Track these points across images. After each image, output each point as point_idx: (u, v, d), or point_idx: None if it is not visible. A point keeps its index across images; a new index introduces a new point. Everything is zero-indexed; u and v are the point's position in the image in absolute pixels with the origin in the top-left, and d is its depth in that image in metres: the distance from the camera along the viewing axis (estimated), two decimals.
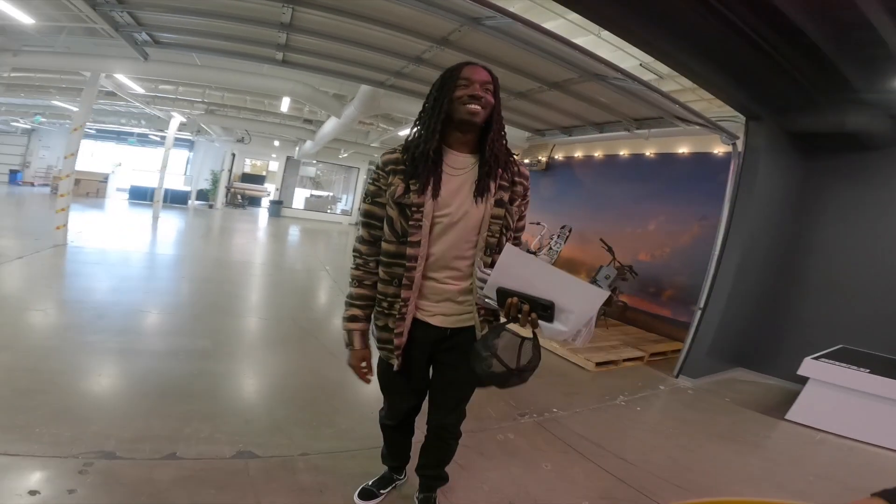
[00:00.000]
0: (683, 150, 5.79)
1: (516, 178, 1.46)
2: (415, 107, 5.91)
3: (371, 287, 1.51)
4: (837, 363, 3.46)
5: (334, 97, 7.24)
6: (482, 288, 1.38)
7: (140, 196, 14.52)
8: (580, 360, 4.31)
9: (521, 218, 1.52)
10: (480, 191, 1.39)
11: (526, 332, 1.36)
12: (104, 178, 15.57)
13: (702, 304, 4.26)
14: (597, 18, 3.11)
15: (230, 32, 4.35)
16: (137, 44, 5.07)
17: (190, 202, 15.91)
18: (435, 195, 1.36)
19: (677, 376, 4.31)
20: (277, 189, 18.04)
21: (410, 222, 1.36)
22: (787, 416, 3.56)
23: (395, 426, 1.78)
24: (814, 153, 4.34)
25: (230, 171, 17.57)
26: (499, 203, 1.41)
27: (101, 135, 16.35)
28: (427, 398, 1.70)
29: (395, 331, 1.48)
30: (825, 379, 3.44)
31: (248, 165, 19.60)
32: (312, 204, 18.36)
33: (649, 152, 6.17)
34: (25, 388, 2.46)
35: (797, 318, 4.43)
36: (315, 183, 19.62)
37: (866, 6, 2.50)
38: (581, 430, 2.93)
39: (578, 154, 7.32)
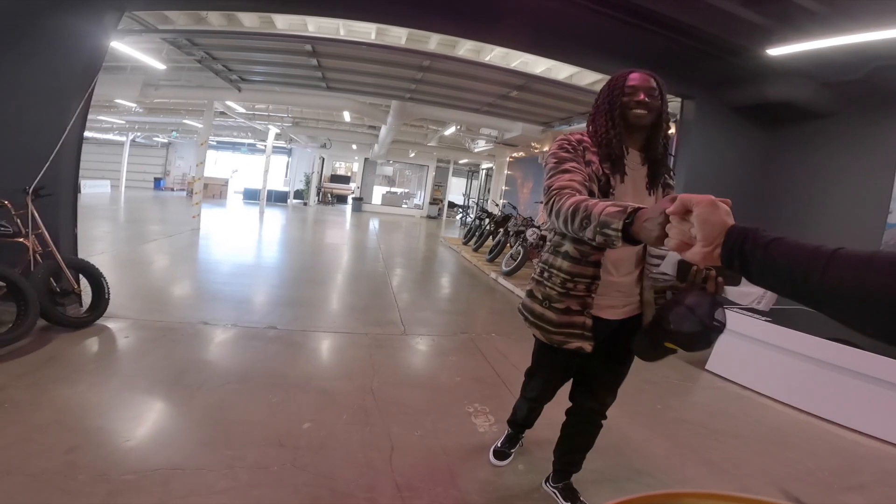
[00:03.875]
0: None
1: (669, 176, 1.52)
2: (435, 111, 7.28)
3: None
4: (742, 311, 3.92)
5: (379, 108, 8.79)
6: (656, 265, 1.40)
7: (252, 196, 17.57)
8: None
9: None
10: (653, 183, 1.46)
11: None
12: (225, 183, 19.06)
13: None
14: (522, 48, 4.09)
15: (288, 72, 6.01)
16: (232, 81, 7.02)
17: (289, 200, 18.80)
18: (622, 181, 1.42)
19: None
20: (358, 187, 20.36)
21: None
22: (707, 367, 4.04)
23: (540, 407, 1.91)
24: (768, 124, 4.69)
25: (320, 173, 20.27)
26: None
27: (221, 146, 19.97)
28: (578, 384, 1.72)
29: (582, 311, 1.46)
30: (734, 328, 3.89)
31: (340, 167, 22.28)
32: (388, 200, 20.40)
33: None
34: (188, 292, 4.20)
35: None
36: (390, 181, 21.71)
37: None
38: (503, 349, 3.85)
39: None
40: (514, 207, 8.36)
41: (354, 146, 17.48)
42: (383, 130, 10.53)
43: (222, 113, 11.31)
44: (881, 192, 4.00)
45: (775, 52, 3.46)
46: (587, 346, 1.46)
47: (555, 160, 1.37)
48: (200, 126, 13.44)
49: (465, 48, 4.74)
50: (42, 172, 2.94)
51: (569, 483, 1.85)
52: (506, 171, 14.00)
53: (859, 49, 3.26)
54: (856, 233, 4.12)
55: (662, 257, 1.38)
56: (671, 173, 1.53)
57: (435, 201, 19.76)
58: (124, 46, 5.02)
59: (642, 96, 1.38)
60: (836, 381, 3.03)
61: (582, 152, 1.40)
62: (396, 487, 1.86)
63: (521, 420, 2.03)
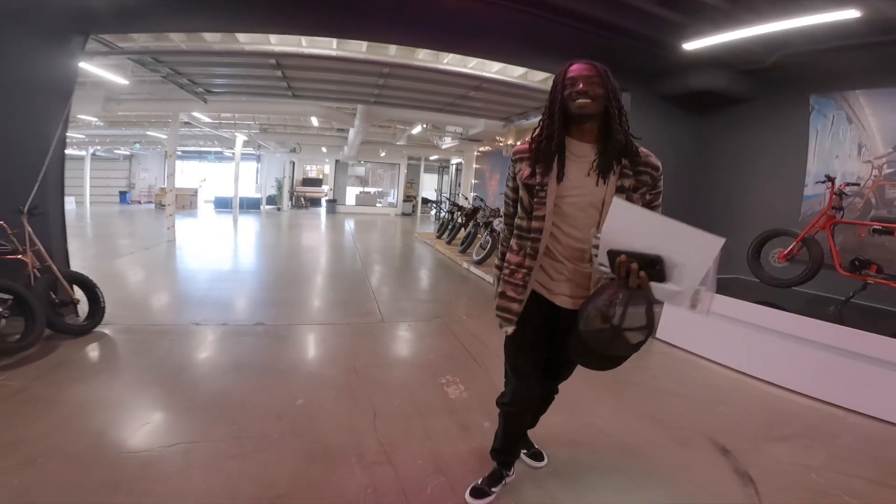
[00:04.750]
0: None
1: (640, 168, 1.45)
2: (401, 113, 7.61)
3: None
4: None
5: (345, 112, 9.04)
6: (598, 256, 1.37)
7: (224, 205, 17.45)
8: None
9: (651, 207, 1.47)
10: (602, 175, 1.43)
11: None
12: (194, 192, 18.86)
13: None
14: (462, 51, 4.46)
15: (253, 83, 6.23)
16: (197, 94, 7.16)
17: (262, 207, 18.76)
18: (560, 178, 1.44)
19: None
20: (331, 189, 20.45)
21: (535, 199, 1.48)
22: (657, 336, 4.20)
23: (519, 412, 1.77)
24: (698, 111, 5.17)
25: (291, 177, 20.26)
26: (620, 189, 1.42)
27: (187, 155, 19.69)
28: (544, 371, 1.73)
29: (515, 298, 1.56)
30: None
31: (311, 171, 22.25)
32: (362, 200, 20.57)
33: None
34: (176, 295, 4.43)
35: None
36: (363, 181, 21.86)
37: None
38: (473, 329, 4.24)
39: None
40: (482, 200, 8.76)
41: (324, 149, 17.58)
42: (352, 133, 10.77)
43: (187, 123, 11.32)
44: (798, 168, 4.52)
45: (690, 45, 3.91)
46: (509, 329, 1.60)
47: (506, 183, 1.65)
48: (164, 137, 13.40)
49: (423, 53, 5.09)
50: (33, 193, 3.16)
51: (524, 435, 2.04)
52: (474, 165, 14.40)
53: (767, 39, 3.69)
54: (779, 206, 4.66)
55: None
56: (639, 166, 1.45)
57: (409, 198, 20.04)
58: (86, 64, 5.13)
59: (581, 86, 1.39)
60: (769, 343, 3.31)
61: (515, 164, 1.56)
62: (380, 444, 2.21)
63: (501, 444, 1.89)
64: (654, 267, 1.22)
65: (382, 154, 17.61)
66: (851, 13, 2.90)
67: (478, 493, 1.86)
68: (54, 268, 3.16)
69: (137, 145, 17.11)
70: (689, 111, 5.19)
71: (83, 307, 3.49)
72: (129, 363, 3.06)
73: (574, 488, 1.99)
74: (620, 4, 3.60)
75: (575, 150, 1.46)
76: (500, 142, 10.51)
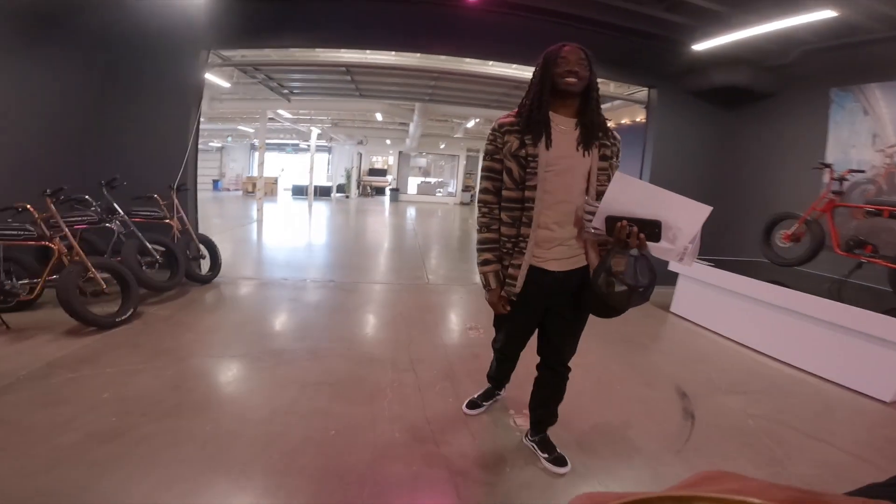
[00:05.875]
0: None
1: (613, 140, 1.63)
2: (451, 108, 8.43)
3: (496, 231, 1.67)
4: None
5: (405, 108, 10.00)
6: (591, 220, 1.52)
7: (300, 192, 19.26)
8: None
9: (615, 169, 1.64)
10: (586, 145, 1.57)
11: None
12: (275, 181, 20.95)
13: None
14: (511, 60, 5.13)
15: (327, 85, 7.33)
16: (283, 94, 8.42)
17: (332, 194, 20.44)
18: (548, 147, 1.54)
19: None
20: (394, 179, 21.74)
21: (528, 170, 1.56)
22: (671, 309, 4.82)
23: (507, 357, 2.10)
24: (724, 105, 5.44)
25: (359, 167, 21.80)
26: (603, 158, 1.59)
27: (268, 147, 21.68)
28: (541, 338, 1.87)
29: (515, 264, 1.64)
30: (685, 272, 4.57)
31: (377, 162, 23.72)
32: (423, 189, 21.67)
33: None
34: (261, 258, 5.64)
35: (732, 237, 5.36)
36: (424, 171, 22.95)
37: None
38: None
39: None
40: None
41: (388, 141, 18.81)
42: (412, 126, 11.75)
43: (272, 118, 12.87)
44: (818, 157, 4.73)
45: (699, 46, 4.32)
46: (504, 295, 1.71)
47: (484, 158, 1.68)
48: (251, 131, 15.25)
49: (470, 59, 5.84)
50: (180, 174, 4.35)
51: (545, 436, 2.02)
52: None
53: (785, 36, 4.00)
54: (800, 193, 4.88)
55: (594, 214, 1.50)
56: (612, 139, 1.63)
57: (467, 188, 20.83)
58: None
59: (572, 66, 1.52)
60: (763, 316, 3.64)
61: (502, 136, 1.60)
62: (409, 359, 3.04)
63: (494, 373, 2.30)
64: (654, 230, 1.41)
65: (442, 146, 18.52)
66: (828, 13, 3.24)
67: (472, 404, 2.35)
68: (191, 230, 4.35)
69: (230, 138, 19.35)
70: (717, 105, 5.49)
71: (206, 263, 4.68)
72: (239, 302, 4.19)
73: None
74: (634, 13, 4.13)
75: (560, 123, 1.59)
76: None
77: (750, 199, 5.33)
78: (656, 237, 1.41)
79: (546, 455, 1.96)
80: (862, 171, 4.05)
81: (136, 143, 4.38)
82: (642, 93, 5.67)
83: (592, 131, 1.58)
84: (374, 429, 2.17)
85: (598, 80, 1.61)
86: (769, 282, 3.73)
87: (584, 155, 1.57)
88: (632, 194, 1.42)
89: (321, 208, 15.03)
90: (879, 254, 3.62)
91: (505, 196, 1.63)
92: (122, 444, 1.90)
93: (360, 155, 21.59)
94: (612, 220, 1.44)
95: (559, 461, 1.94)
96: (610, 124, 1.68)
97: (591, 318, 1.79)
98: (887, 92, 4.06)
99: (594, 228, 1.51)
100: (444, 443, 2.09)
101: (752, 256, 4.89)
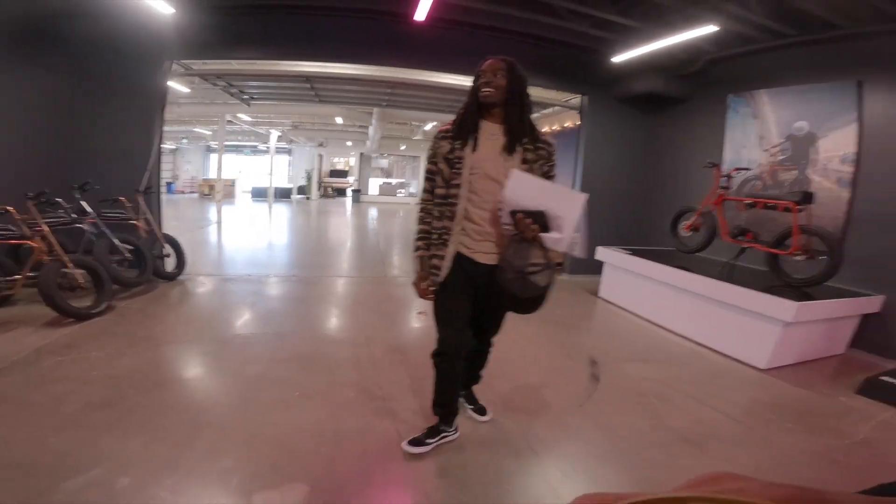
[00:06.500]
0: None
1: (539, 144, 1.78)
2: (411, 113, 8.90)
3: (429, 224, 1.88)
4: (612, 247, 5.29)
5: (364, 112, 10.39)
6: (502, 216, 1.69)
7: (259, 194, 19.13)
8: None
9: (548, 176, 1.80)
10: (508, 149, 1.74)
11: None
12: (233, 183, 20.65)
13: None
14: (448, 70, 5.64)
15: (287, 91, 7.63)
16: (243, 99, 8.63)
17: (293, 196, 20.40)
18: (474, 150, 1.75)
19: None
20: (356, 180, 21.92)
21: (453, 170, 1.77)
22: (600, 294, 5.47)
23: (450, 359, 1.94)
24: (652, 110, 6.15)
25: (320, 169, 21.83)
26: (524, 161, 1.75)
27: (225, 149, 21.35)
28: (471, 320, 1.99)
29: (439, 255, 1.85)
30: (608, 261, 5.28)
31: (338, 163, 23.78)
32: (384, 190, 22.01)
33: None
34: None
35: (653, 229, 6.11)
36: (386, 172, 23.26)
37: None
38: None
39: None
40: None
41: (349, 143, 19.03)
42: (371, 129, 12.12)
43: (230, 121, 12.92)
44: (718, 156, 5.41)
45: (617, 58, 4.98)
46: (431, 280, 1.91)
47: (426, 162, 1.88)
48: (208, 133, 15.15)
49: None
50: (145, 177, 4.59)
51: (469, 392, 2.41)
52: None
53: (694, 46, 4.63)
54: (706, 188, 5.63)
55: None
56: (538, 143, 1.78)
57: None
58: None
59: (488, 78, 1.70)
60: (670, 297, 4.16)
61: (438, 142, 1.81)
62: (366, 337, 3.49)
63: (438, 396, 2.06)
64: (542, 220, 1.56)
65: (402, 147, 18.92)
66: (711, 28, 3.90)
67: (415, 442, 2.04)
68: (157, 230, 4.60)
69: (185, 140, 18.99)
70: (640, 110, 6.19)
71: (171, 261, 4.93)
72: (206, 296, 4.50)
73: None
74: (565, 29, 4.68)
75: (488, 130, 1.77)
76: None
77: (667, 194, 6.05)
78: (545, 227, 1.58)
79: (471, 406, 2.40)
80: (748, 169, 4.82)
81: (103, 149, 4.59)
82: (577, 99, 6.29)
83: (515, 136, 1.75)
84: (333, 391, 2.62)
85: (537, 87, 2.04)
86: (673, 267, 4.33)
87: (506, 159, 1.74)
88: (526, 190, 1.60)
89: (282, 210, 15.09)
90: (758, 240, 4.35)
91: (437, 194, 1.84)
92: (117, 411, 2.25)
93: (321, 156, 21.63)
94: (513, 214, 1.63)
95: (480, 411, 2.39)
96: (545, 129, 2.21)
97: None
98: (773, 97, 4.78)
99: (505, 225, 1.71)
100: (392, 399, 2.56)
101: (668, 246, 5.63)
